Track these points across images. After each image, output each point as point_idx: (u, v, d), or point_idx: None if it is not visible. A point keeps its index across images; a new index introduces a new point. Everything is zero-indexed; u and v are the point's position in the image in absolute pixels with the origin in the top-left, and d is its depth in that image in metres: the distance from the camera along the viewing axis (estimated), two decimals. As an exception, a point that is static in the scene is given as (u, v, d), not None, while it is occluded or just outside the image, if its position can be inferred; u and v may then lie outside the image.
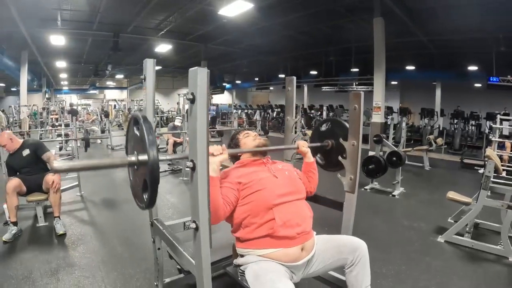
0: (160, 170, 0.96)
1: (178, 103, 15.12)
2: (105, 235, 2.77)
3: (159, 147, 5.35)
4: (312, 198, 1.59)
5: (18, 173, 2.80)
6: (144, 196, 0.96)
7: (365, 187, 4.38)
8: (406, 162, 4.74)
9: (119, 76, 19.27)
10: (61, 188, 2.83)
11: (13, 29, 7.86)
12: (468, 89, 11.77)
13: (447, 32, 8.15)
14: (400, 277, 2.15)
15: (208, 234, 0.97)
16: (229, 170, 1.35)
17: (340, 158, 1.54)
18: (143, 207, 0.99)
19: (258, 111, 15.13)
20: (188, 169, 0.97)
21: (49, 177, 2.73)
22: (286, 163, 1.68)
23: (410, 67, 11.80)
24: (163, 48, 10.60)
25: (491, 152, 3.13)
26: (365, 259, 1.25)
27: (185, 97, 1.06)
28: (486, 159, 2.91)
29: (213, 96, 18.58)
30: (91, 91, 21.51)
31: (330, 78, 13.16)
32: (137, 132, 0.98)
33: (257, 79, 18.51)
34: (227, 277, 1.61)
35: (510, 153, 5.39)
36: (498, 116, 5.67)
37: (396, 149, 4.42)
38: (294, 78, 1.84)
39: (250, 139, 1.48)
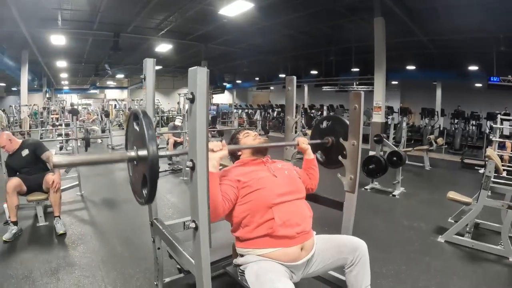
0: (161, 170, 0.96)
1: (178, 103, 15.15)
2: (105, 235, 2.78)
3: (160, 147, 5.33)
4: (312, 198, 1.58)
5: (18, 173, 2.79)
6: (143, 192, 0.95)
7: (365, 187, 4.38)
8: (407, 162, 4.75)
9: (120, 76, 19.28)
10: (61, 188, 2.83)
11: (14, 29, 7.86)
12: (468, 89, 11.76)
13: (447, 32, 8.14)
14: (400, 277, 2.14)
15: (207, 234, 0.97)
16: (228, 169, 1.35)
17: (340, 157, 1.53)
18: (142, 203, 0.98)
19: (258, 111, 15.10)
20: (188, 168, 0.97)
21: (49, 177, 2.73)
22: (286, 162, 1.68)
23: (411, 67, 11.79)
24: (164, 48, 10.60)
25: (492, 152, 3.12)
26: (365, 259, 1.24)
27: (185, 96, 1.06)
28: (486, 159, 2.90)
29: (213, 95, 18.61)
30: (92, 91, 21.51)
31: (330, 78, 13.15)
32: (136, 128, 0.98)
33: (257, 78, 18.48)
34: (227, 277, 1.61)
35: (511, 153, 5.38)
36: (499, 116, 5.64)
37: (396, 149, 4.41)
38: (295, 77, 1.82)
39: (250, 139, 1.48)
